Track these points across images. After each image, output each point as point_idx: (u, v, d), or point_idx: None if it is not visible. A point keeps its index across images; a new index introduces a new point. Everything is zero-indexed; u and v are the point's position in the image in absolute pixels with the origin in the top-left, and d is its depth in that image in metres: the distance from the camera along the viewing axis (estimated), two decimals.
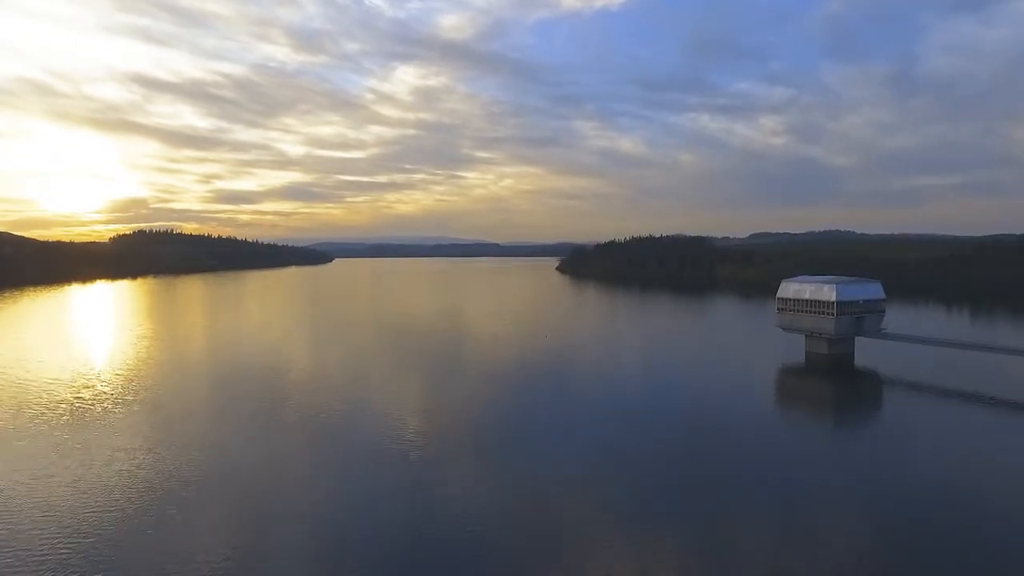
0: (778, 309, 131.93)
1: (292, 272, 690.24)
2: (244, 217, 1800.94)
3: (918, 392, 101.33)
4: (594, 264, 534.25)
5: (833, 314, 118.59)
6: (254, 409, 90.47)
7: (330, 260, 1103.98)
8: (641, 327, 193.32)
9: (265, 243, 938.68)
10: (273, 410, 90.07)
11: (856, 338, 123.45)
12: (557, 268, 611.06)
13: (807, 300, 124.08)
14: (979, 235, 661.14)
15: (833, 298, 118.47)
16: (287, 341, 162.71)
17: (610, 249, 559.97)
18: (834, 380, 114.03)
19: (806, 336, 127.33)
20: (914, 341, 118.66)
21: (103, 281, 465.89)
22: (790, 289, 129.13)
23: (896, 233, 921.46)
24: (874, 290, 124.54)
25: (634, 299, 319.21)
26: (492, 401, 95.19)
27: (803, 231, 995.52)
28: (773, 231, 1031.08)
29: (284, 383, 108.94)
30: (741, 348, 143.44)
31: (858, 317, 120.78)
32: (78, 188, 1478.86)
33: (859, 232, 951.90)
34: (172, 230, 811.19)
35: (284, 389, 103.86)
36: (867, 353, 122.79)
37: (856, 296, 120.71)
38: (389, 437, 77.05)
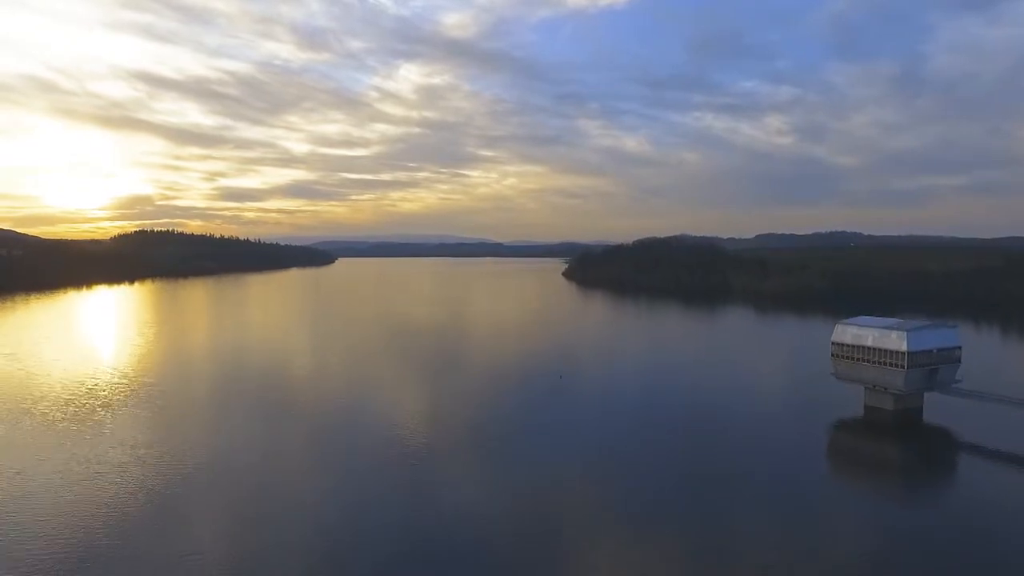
0: (833, 355, 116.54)
1: (293, 275, 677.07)
2: (248, 215, 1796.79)
3: (1007, 462, 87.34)
4: (600, 270, 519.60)
5: (903, 366, 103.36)
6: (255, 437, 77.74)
7: (333, 260, 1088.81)
8: (668, 362, 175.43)
9: (268, 242, 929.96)
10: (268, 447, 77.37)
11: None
12: (563, 274, 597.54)
13: (869, 348, 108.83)
14: (984, 237, 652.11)
15: (904, 348, 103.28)
16: (268, 377, 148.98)
17: (617, 254, 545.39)
18: (902, 443, 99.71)
19: (866, 388, 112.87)
20: (996, 400, 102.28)
21: (100, 286, 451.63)
22: (848, 334, 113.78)
23: (903, 235, 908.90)
24: (948, 336, 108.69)
25: (650, 315, 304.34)
26: (496, 485, 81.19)
27: (809, 232, 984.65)
28: (779, 232, 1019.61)
29: (267, 429, 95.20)
30: (788, 396, 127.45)
31: (932, 369, 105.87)
32: (83, 185, 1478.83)
33: (866, 234, 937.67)
34: (176, 228, 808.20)
35: (271, 433, 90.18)
36: (937, 407, 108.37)
37: (930, 345, 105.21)
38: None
